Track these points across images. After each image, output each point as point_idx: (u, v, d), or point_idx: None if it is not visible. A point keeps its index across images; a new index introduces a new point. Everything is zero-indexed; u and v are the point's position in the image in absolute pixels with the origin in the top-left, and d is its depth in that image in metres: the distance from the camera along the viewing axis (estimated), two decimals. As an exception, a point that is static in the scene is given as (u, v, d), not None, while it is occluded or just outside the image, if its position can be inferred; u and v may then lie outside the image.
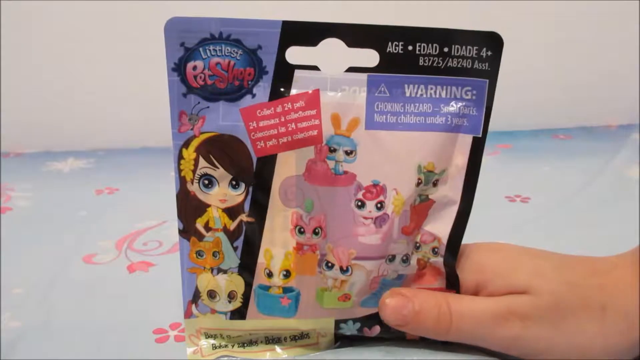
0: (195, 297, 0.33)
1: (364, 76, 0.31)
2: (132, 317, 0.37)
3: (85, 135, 0.68)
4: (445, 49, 0.30)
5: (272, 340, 0.34)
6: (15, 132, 0.67)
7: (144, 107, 0.66)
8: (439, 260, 0.33)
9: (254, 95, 0.30)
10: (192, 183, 0.31)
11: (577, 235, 0.46)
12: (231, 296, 0.33)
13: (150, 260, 0.45)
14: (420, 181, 0.32)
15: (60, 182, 0.60)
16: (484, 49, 0.30)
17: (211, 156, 0.31)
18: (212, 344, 0.33)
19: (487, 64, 0.31)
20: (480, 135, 0.31)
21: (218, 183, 0.31)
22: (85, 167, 0.64)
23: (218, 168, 0.31)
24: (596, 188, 0.56)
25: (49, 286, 0.41)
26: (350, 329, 0.34)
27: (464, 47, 0.30)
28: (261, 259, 0.32)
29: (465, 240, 0.33)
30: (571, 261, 0.33)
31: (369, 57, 0.31)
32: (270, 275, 0.32)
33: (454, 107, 0.31)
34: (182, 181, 0.31)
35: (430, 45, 0.30)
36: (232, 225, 0.32)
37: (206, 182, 0.31)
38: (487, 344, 0.32)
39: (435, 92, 0.31)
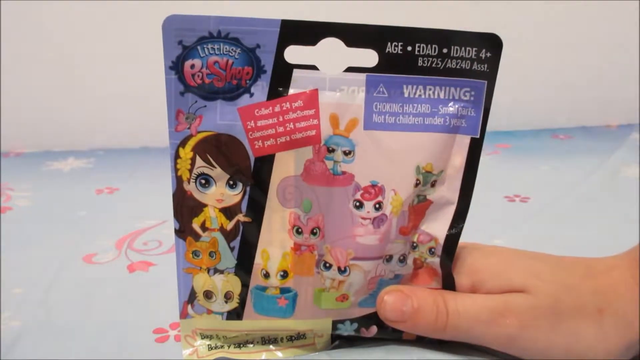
0: (191, 297, 0.33)
1: (362, 76, 0.30)
2: (132, 317, 0.37)
3: (85, 135, 0.68)
4: (445, 50, 0.30)
5: (269, 340, 0.34)
6: (15, 132, 0.68)
7: (144, 107, 0.66)
8: (436, 260, 0.33)
9: (252, 95, 0.30)
10: (189, 182, 0.31)
11: (576, 235, 0.46)
12: (227, 297, 0.33)
13: (150, 260, 0.45)
14: (418, 182, 0.32)
15: (60, 182, 0.60)
16: (483, 51, 0.30)
17: (208, 155, 0.31)
18: (208, 345, 0.33)
19: (486, 66, 0.31)
20: (478, 137, 0.31)
21: (215, 183, 0.31)
22: (85, 167, 0.64)
23: (215, 167, 0.31)
24: (596, 188, 0.56)
25: (49, 286, 0.41)
26: (347, 330, 0.34)
27: (463, 48, 0.30)
28: (258, 260, 0.32)
29: (464, 239, 0.33)
30: (567, 263, 0.33)
31: (368, 57, 0.30)
32: (267, 275, 0.32)
33: (452, 108, 0.31)
34: (178, 180, 0.31)
35: (429, 46, 0.30)
36: (229, 226, 0.32)
37: (203, 181, 0.31)
38: (484, 342, 0.32)
39: (433, 92, 0.31)
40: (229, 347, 0.34)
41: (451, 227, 0.32)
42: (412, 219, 0.32)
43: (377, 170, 0.31)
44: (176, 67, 0.30)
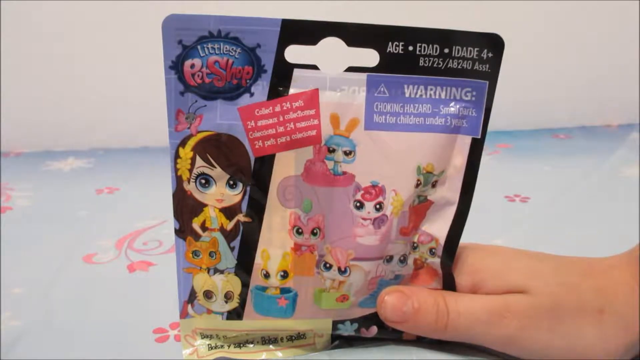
0: (191, 297, 0.33)
1: (363, 76, 0.30)
2: (132, 317, 0.37)
3: (85, 135, 0.68)
4: (446, 50, 0.30)
5: (269, 340, 0.34)
6: (15, 132, 0.67)
7: (144, 107, 0.66)
8: (436, 260, 0.33)
9: (252, 94, 0.30)
10: (189, 182, 0.31)
11: (576, 235, 0.46)
12: (228, 297, 0.33)
13: (150, 259, 0.45)
14: (419, 182, 0.32)
15: (60, 182, 0.60)
16: (485, 51, 0.30)
17: (208, 155, 0.31)
18: (208, 345, 0.33)
19: (487, 66, 0.30)
20: (479, 137, 0.31)
21: (215, 182, 0.31)
22: (85, 166, 0.64)
23: (215, 167, 0.31)
24: (596, 188, 0.56)
25: (49, 286, 0.41)
26: (347, 330, 0.34)
27: (464, 48, 0.30)
28: (258, 260, 0.32)
29: (464, 239, 0.33)
30: (568, 263, 0.33)
31: (369, 56, 0.30)
32: (267, 276, 0.32)
33: (453, 108, 0.31)
34: (178, 180, 0.31)
35: (430, 45, 0.30)
36: (229, 225, 0.32)
37: (203, 181, 0.31)
38: (485, 342, 0.32)
39: (435, 93, 0.31)
40: (229, 347, 0.34)
41: (452, 227, 0.32)
42: (413, 219, 0.32)
43: (377, 170, 0.31)
44: (176, 66, 0.29)
